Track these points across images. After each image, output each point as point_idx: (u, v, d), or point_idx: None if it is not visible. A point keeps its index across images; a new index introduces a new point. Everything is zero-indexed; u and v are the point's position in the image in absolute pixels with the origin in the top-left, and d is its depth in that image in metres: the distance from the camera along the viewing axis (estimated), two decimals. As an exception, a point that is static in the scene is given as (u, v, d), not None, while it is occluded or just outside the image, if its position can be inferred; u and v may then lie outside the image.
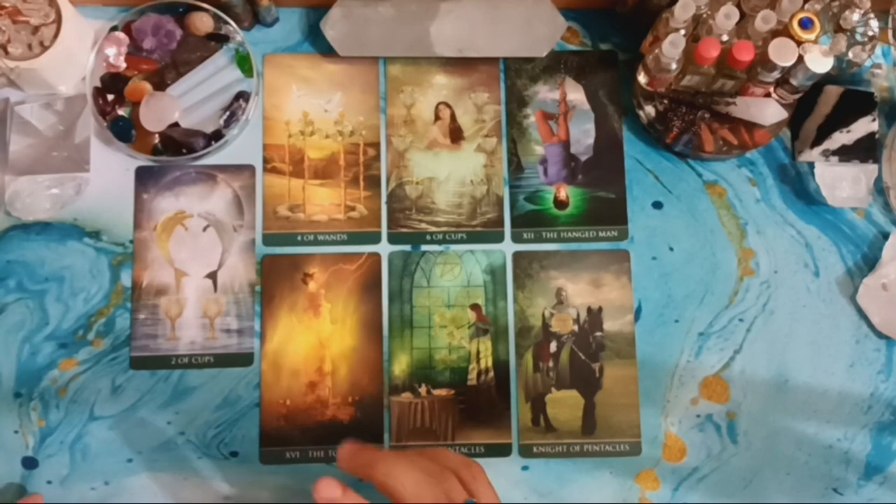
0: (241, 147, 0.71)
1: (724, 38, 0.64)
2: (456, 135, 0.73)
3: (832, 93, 0.72)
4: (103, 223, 0.69)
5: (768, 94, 0.68)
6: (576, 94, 0.74)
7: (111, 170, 0.70)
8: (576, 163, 0.72)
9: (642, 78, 0.69)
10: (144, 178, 0.70)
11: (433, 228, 0.71)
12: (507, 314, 0.70)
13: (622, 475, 0.68)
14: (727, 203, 0.72)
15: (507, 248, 0.71)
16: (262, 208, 0.70)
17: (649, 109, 0.70)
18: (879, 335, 0.70)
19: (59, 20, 0.66)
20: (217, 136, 0.69)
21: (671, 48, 0.63)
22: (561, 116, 0.73)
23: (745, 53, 0.63)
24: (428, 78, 0.73)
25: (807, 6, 0.64)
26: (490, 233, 0.71)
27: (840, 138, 0.71)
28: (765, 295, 0.71)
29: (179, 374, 0.67)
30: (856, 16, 0.67)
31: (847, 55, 0.69)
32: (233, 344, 0.68)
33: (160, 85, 0.69)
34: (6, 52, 0.65)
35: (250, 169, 0.71)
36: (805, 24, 0.63)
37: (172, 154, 0.69)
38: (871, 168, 0.72)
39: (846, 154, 0.71)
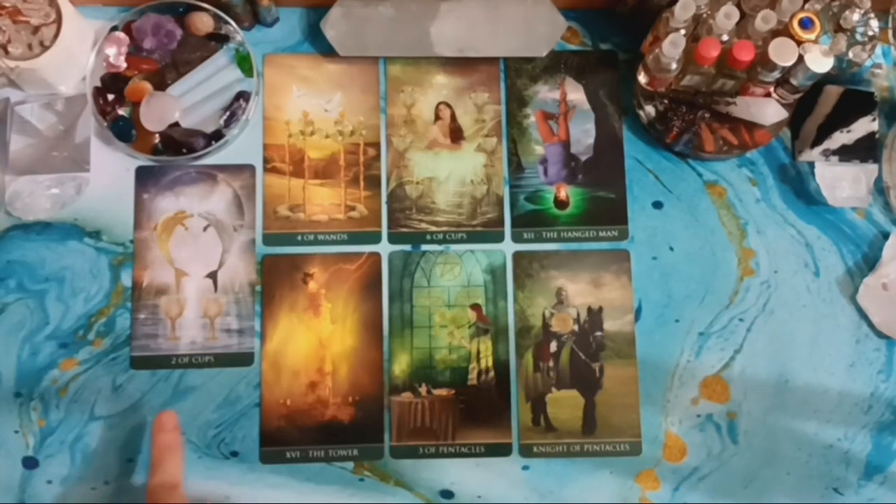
0: (242, 147, 0.71)
1: (724, 37, 0.64)
2: (456, 135, 0.73)
3: (832, 93, 0.72)
4: (103, 223, 0.69)
5: (768, 94, 0.68)
6: (576, 94, 0.74)
7: (111, 170, 0.70)
8: (576, 163, 0.72)
9: (642, 78, 0.69)
10: (144, 178, 0.70)
11: (433, 228, 0.71)
12: (508, 314, 0.70)
13: (622, 475, 0.68)
14: (727, 203, 0.72)
15: (508, 247, 0.71)
16: (263, 208, 0.70)
17: (649, 109, 0.70)
18: (879, 335, 0.70)
19: (59, 20, 0.66)
20: (217, 135, 0.69)
21: (671, 48, 0.63)
22: (561, 116, 0.73)
23: (745, 53, 0.63)
24: (428, 78, 0.73)
25: (807, 6, 0.64)
26: (490, 233, 0.71)
27: (840, 138, 0.71)
28: (765, 295, 0.71)
29: (179, 373, 0.67)
30: (856, 16, 0.67)
31: (847, 55, 0.69)
32: (233, 344, 0.68)
33: (160, 85, 0.69)
34: (6, 52, 0.65)
35: (250, 169, 0.71)
36: (805, 24, 0.63)
37: (172, 154, 0.69)
38: (872, 168, 0.72)
39: (846, 154, 0.71)
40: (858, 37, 0.69)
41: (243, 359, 0.68)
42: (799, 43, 0.63)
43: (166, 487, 0.59)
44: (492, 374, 0.69)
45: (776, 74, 0.64)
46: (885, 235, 0.72)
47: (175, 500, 0.59)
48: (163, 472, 0.60)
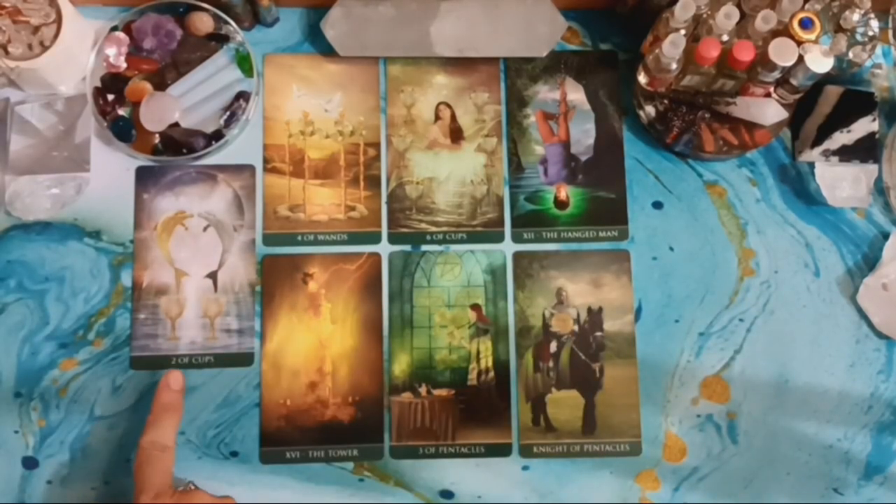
0: (242, 147, 0.71)
1: (725, 38, 0.64)
2: (456, 135, 0.73)
3: (832, 93, 0.72)
4: (103, 223, 0.69)
5: (768, 94, 0.68)
6: (576, 94, 0.74)
7: (111, 170, 0.70)
8: (576, 163, 0.72)
9: (642, 78, 0.69)
10: (145, 178, 0.70)
11: (433, 228, 0.71)
12: (508, 314, 0.70)
13: (622, 475, 0.68)
14: (727, 203, 0.72)
15: (508, 248, 0.71)
16: (263, 208, 0.70)
17: (649, 109, 0.70)
18: (879, 335, 0.70)
19: (59, 20, 0.66)
20: (217, 135, 0.69)
21: (671, 48, 0.63)
22: (561, 116, 0.73)
23: (745, 53, 0.63)
24: (428, 78, 0.73)
25: (807, 6, 0.64)
26: (490, 233, 0.71)
27: (840, 138, 0.71)
28: (765, 295, 0.71)
29: (180, 373, 0.67)
30: (856, 16, 0.67)
31: (847, 55, 0.69)
32: (233, 344, 0.68)
33: (160, 85, 0.69)
34: (6, 52, 0.65)
35: (250, 169, 0.71)
36: (805, 24, 0.63)
37: (172, 154, 0.69)
38: (872, 168, 0.72)
39: (846, 154, 0.71)
40: (858, 37, 0.69)
41: (243, 359, 0.68)
42: (799, 43, 0.63)
43: (157, 447, 0.60)
44: (492, 374, 0.69)
45: (776, 74, 0.64)
46: (885, 235, 0.72)
47: (165, 463, 0.60)
48: (157, 432, 0.61)
